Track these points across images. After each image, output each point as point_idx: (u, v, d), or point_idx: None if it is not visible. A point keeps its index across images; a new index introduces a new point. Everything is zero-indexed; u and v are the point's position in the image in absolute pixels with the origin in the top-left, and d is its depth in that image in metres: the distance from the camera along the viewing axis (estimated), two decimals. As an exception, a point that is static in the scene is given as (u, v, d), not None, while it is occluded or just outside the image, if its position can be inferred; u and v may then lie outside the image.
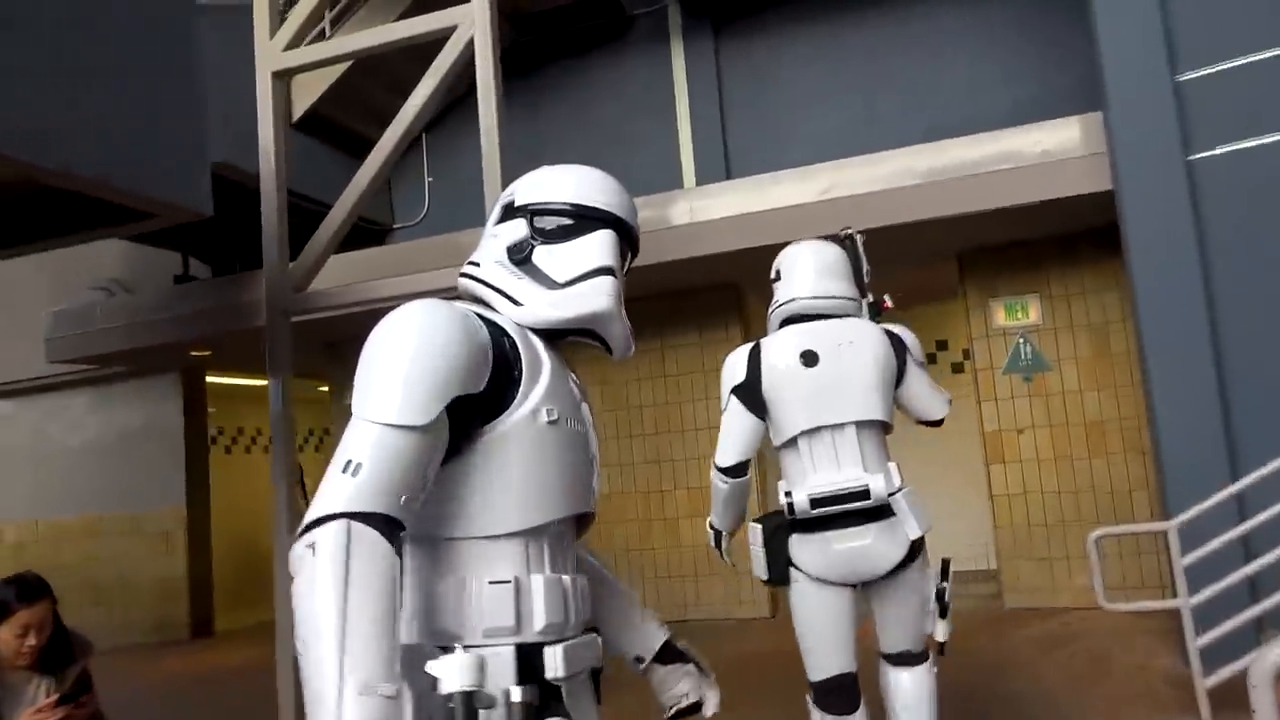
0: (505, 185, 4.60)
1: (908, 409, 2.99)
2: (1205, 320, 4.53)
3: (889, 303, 3.00)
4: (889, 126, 6.91)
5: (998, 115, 6.30)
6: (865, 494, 2.68)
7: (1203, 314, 4.53)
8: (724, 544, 3.18)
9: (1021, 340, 6.52)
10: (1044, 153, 5.38)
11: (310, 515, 1.28)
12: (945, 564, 2.88)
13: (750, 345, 2.95)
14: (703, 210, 5.94)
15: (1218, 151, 4.61)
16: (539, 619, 1.43)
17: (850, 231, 3.14)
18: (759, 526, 2.90)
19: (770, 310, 3.06)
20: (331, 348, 8.32)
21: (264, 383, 10.36)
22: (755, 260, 6.53)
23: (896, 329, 2.94)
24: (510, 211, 1.69)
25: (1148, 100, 4.71)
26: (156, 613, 8.83)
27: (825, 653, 2.78)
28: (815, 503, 2.70)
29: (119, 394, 9.25)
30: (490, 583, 1.40)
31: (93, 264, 8.76)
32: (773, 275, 3.12)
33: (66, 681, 2.79)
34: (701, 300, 7.20)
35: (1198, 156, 4.63)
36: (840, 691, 2.76)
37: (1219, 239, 4.57)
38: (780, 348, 2.86)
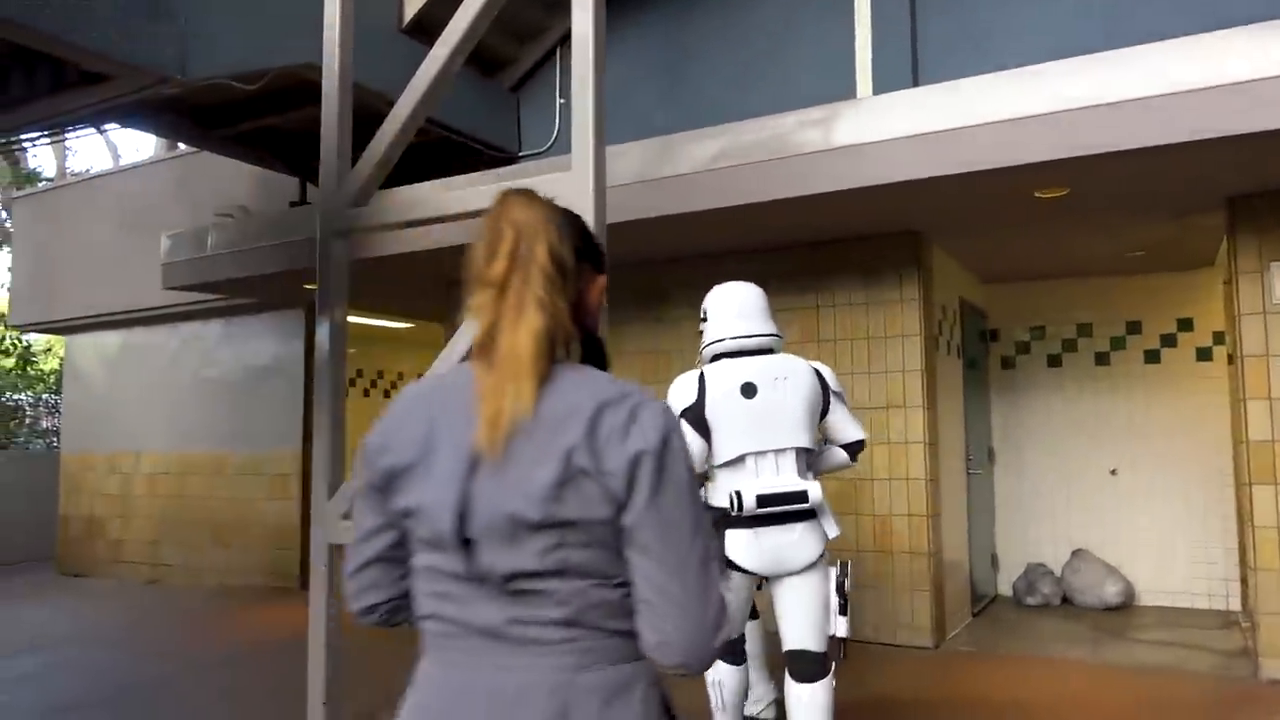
0: (604, 109, 3.54)
1: (830, 435, 3.59)
2: None
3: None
4: (1139, 16, 5.18)
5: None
6: (804, 496, 3.30)
7: None
8: None
9: (1316, 320, 4.78)
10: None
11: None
12: (844, 564, 3.47)
13: (696, 373, 3.47)
14: (877, 127, 4.57)
15: None
16: None
17: None
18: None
19: (702, 347, 3.61)
20: (453, 288, 7.54)
21: (405, 325, 10.07)
22: (945, 197, 5.13)
23: (818, 365, 3.56)
24: None
25: None
26: (270, 557, 8.48)
27: (732, 625, 3.25)
28: (762, 501, 3.26)
29: (248, 328, 8.93)
30: None
31: (223, 189, 8.41)
32: (701, 316, 3.66)
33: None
34: (871, 249, 5.82)
35: None
36: (733, 646, 3.49)
37: None
38: (722, 378, 3.41)
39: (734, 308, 3.55)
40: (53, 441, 12.98)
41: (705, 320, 3.62)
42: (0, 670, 5.67)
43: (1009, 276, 7.22)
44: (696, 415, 3.35)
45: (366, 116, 4.38)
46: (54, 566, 10.14)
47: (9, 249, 12.01)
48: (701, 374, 3.45)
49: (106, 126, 5.73)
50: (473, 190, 4.05)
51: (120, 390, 9.91)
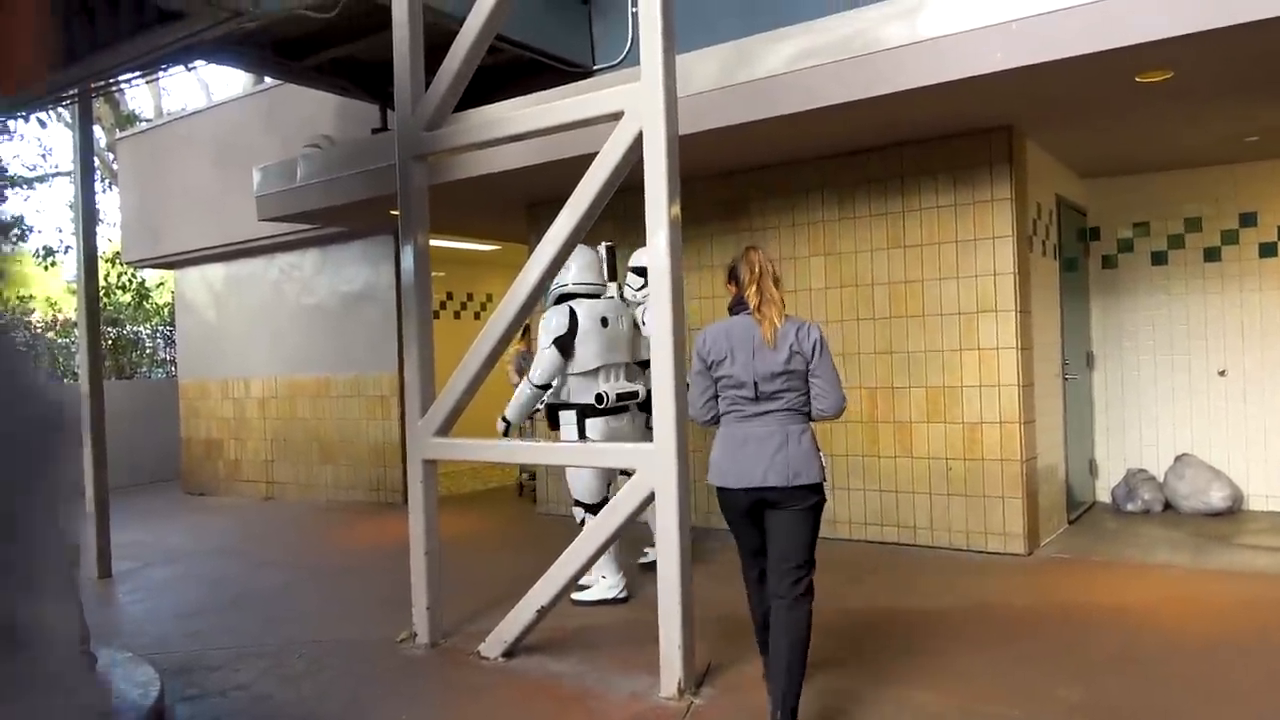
0: (673, 15, 3.44)
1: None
2: None
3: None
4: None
5: None
6: (636, 394, 4.91)
7: None
8: (510, 433, 5.16)
9: None
10: None
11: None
12: None
13: (567, 307, 4.85)
14: (963, 16, 4.33)
15: None
16: None
17: (610, 245, 5.28)
18: (573, 411, 4.87)
19: (550, 288, 4.84)
20: (533, 209, 7.59)
21: (493, 247, 10.20)
22: (1038, 87, 4.82)
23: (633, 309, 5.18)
24: None
25: None
26: (373, 474, 8.90)
27: (598, 487, 4.90)
28: (619, 396, 4.81)
29: (342, 255, 9.20)
30: None
31: (309, 121, 8.57)
32: (565, 266, 4.82)
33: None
34: (959, 148, 5.59)
35: None
36: (597, 508, 4.65)
37: None
38: (587, 313, 4.85)
39: (581, 262, 4.97)
40: (171, 370, 13.74)
41: (566, 269, 4.88)
42: (139, 579, 6.17)
43: (1109, 170, 6.84)
44: (564, 341, 4.80)
45: (439, 39, 4.38)
46: (179, 486, 10.87)
47: (117, 189, 12.55)
48: (571, 309, 4.83)
49: (194, 64, 5.86)
50: (546, 107, 4.04)
51: (227, 320, 10.40)
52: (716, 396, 3.14)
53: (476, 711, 3.52)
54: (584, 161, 3.88)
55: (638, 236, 6.31)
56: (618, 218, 6.34)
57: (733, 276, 3.18)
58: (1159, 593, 4.68)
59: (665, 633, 3.51)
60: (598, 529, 3.81)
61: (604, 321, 4.87)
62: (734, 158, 6.09)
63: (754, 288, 3.06)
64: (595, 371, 4.83)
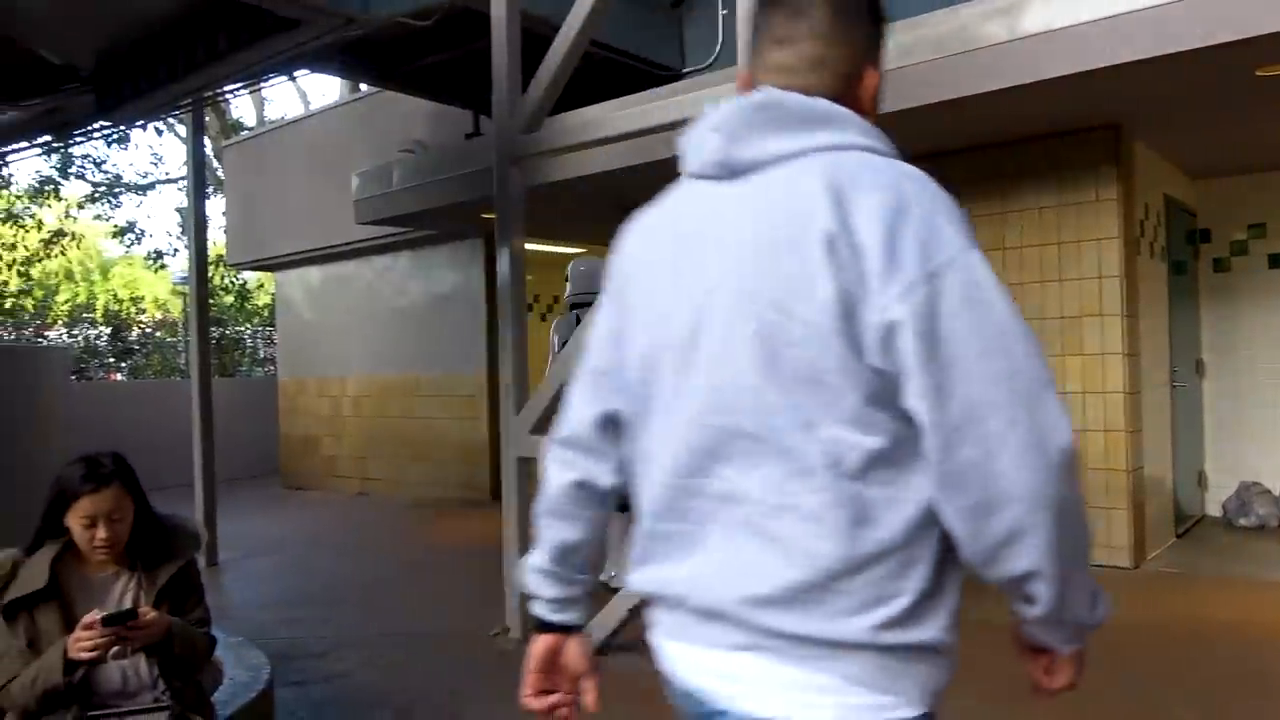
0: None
1: None
2: None
3: None
4: None
5: None
6: None
7: None
8: None
9: None
10: None
11: None
12: None
13: (574, 315, 5.33)
14: (1068, 11, 4.19)
15: None
16: None
17: None
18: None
19: (566, 296, 5.58)
20: (622, 212, 7.63)
21: (580, 251, 10.32)
22: (1147, 84, 4.63)
23: None
24: None
25: None
26: (463, 473, 9.08)
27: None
28: None
29: (433, 259, 9.42)
30: None
31: (404, 127, 8.80)
32: (564, 278, 5.67)
33: (157, 583, 2.28)
34: (1063, 147, 5.42)
35: None
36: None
37: None
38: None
39: (588, 273, 5.49)
40: (270, 369, 14.29)
41: (568, 280, 5.52)
42: (243, 568, 6.42)
43: (1223, 170, 6.53)
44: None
45: (534, 44, 4.46)
46: (278, 480, 11.28)
47: (222, 195, 13.12)
48: (578, 316, 5.30)
49: (298, 73, 6.12)
50: (639, 109, 4.07)
51: (324, 320, 10.76)
52: None
53: (569, 707, 3.56)
54: (676, 164, 3.88)
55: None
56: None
57: None
58: (1275, 613, 4.44)
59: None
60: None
61: None
62: (826, 159, 6.02)
63: None
64: None
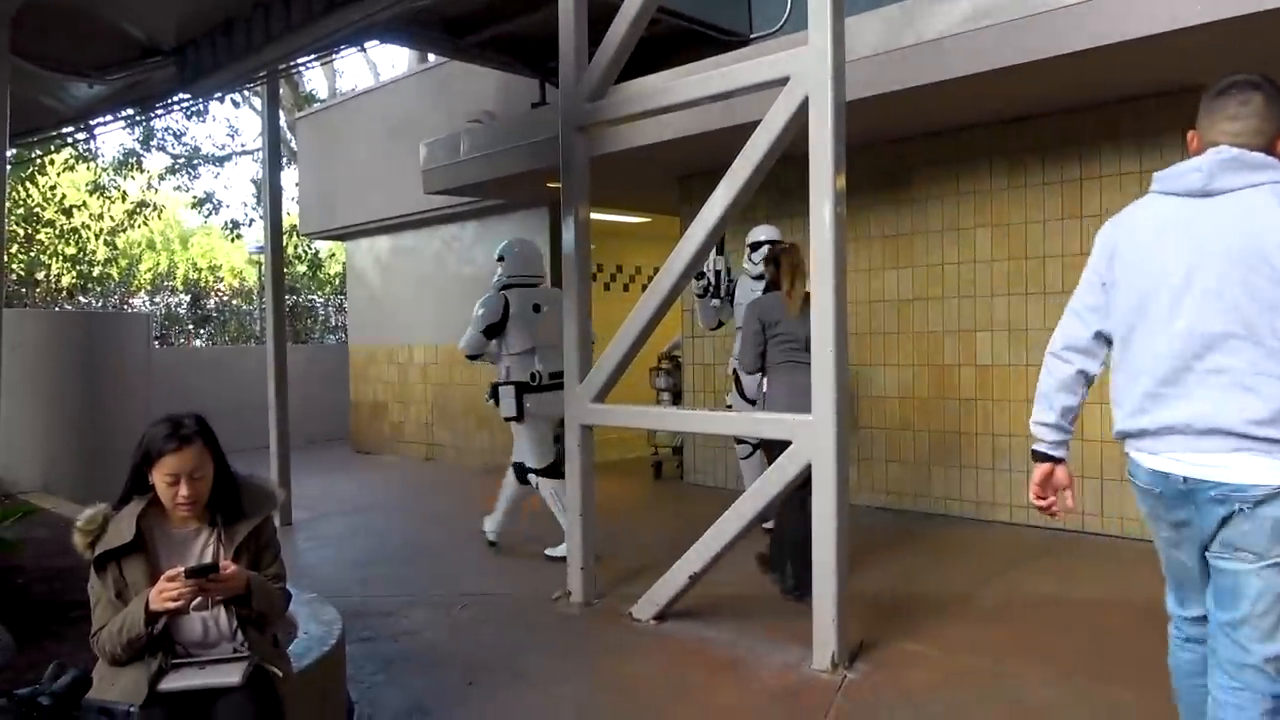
0: None
1: None
2: None
3: None
4: None
5: None
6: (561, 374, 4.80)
7: None
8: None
9: None
10: None
11: None
12: None
13: (501, 295, 5.49)
14: (1156, -32, 4.01)
15: None
16: None
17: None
18: (511, 387, 5.44)
19: (495, 278, 5.69)
20: (685, 180, 7.60)
21: (642, 220, 10.31)
22: (1231, 43, 4.41)
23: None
24: None
25: None
26: (527, 440, 9.18)
27: (544, 451, 5.51)
28: (551, 376, 5.26)
29: (499, 228, 9.47)
30: None
31: (472, 97, 8.86)
32: (496, 257, 5.78)
33: (235, 539, 2.37)
34: (1143, 111, 5.21)
35: None
36: (556, 470, 5.32)
37: None
38: (518, 301, 5.47)
39: (524, 255, 5.72)
40: (341, 336, 14.63)
41: (500, 260, 5.68)
42: (315, 528, 6.64)
43: (1321, 134, 6.19)
44: (496, 326, 5.42)
45: (601, 12, 4.44)
46: (348, 444, 11.58)
47: (296, 166, 13.41)
48: (504, 297, 5.46)
49: (368, 44, 6.19)
50: (709, 75, 4.03)
51: (393, 289, 10.96)
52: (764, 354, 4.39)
53: (629, 671, 3.61)
54: (740, 132, 3.84)
55: (789, 206, 6.25)
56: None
57: (774, 263, 4.53)
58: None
59: (820, 605, 3.48)
60: (750, 501, 3.81)
61: (535, 308, 5.48)
62: (896, 125, 5.89)
63: (789, 278, 4.35)
64: (530, 352, 5.43)
